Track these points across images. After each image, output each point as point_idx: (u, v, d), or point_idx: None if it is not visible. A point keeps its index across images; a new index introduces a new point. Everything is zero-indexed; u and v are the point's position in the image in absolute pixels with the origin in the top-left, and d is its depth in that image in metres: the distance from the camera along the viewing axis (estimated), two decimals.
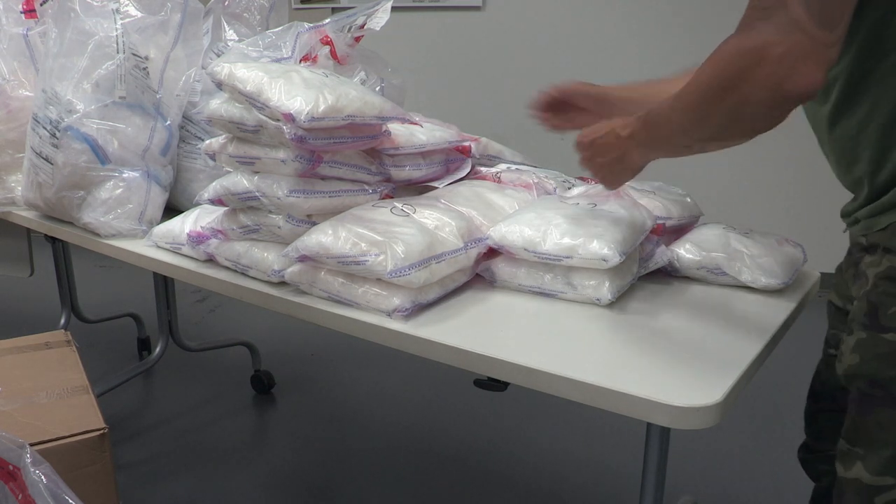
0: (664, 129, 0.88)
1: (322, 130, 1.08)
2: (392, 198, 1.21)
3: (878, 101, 0.82)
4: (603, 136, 0.97)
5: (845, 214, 0.95)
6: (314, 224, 1.10)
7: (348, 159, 1.16)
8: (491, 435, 2.16)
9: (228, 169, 1.19)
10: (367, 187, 1.18)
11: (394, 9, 1.41)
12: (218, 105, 1.16)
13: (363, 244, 1.03)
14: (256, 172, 1.13)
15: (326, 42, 1.44)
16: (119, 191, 1.41)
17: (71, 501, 0.85)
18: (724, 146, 0.84)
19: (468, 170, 1.38)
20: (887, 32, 0.79)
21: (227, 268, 1.22)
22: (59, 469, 0.88)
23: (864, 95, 0.83)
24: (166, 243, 1.33)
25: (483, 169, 1.40)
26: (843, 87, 0.85)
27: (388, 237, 1.03)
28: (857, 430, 0.88)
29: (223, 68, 1.12)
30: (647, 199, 1.20)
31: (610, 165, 0.98)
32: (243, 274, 1.20)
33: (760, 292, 1.11)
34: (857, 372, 0.87)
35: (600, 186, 1.19)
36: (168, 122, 1.46)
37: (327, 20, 1.47)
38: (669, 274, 1.17)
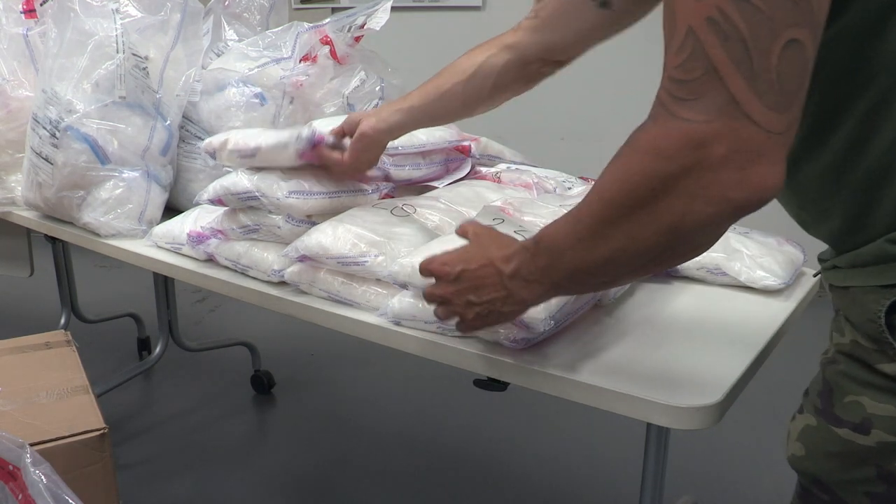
0: (564, 266, 0.67)
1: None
2: (392, 198, 1.21)
3: (858, 143, 0.62)
4: (477, 268, 0.76)
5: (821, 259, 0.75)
6: (314, 224, 1.10)
7: None
8: (491, 435, 2.16)
9: (228, 169, 1.19)
10: (366, 187, 1.18)
11: (394, 9, 1.41)
12: None
13: (363, 245, 1.03)
14: (257, 172, 1.13)
15: (326, 42, 1.44)
16: (119, 191, 1.40)
17: (71, 501, 0.85)
18: (652, 273, 0.66)
19: (468, 170, 1.38)
20: (866, 60, 0.60)
21: (227, 268, 1.22)
22: (59, 469, 0.88)
23: (836, 134, 0.64)
24: (166, 243, 1.33)
25: (483, 169, 1.40)
26: (808, 122, 0.63)
27: (388, 237, 1.03)
28: None
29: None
30: None
31: (489, 306, 0.77)
32: (243, 274, 1.20)
33: (760, 292, 1.11)
34: (802, 466, 0.72)
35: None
36: (168, 122, 1.46)
37: (327, 20, 1.46)
38: (669, 274, 1.17)
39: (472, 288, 0.77)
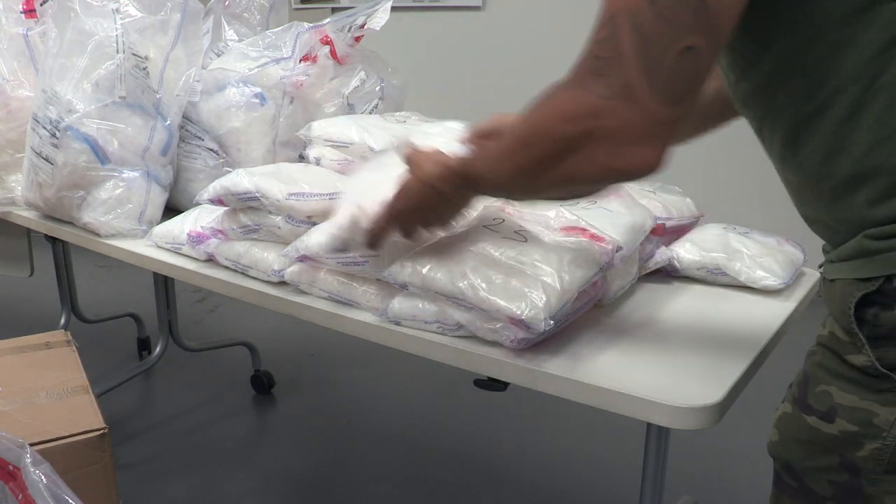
0: (484, 186, 0.81)
1: None
2: None
3: (834, 150, 0.66)
4: (417, 189, 0.87)
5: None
6: (314, 224, 1.10)
7: None
8: (491, 435, 2.16)
9: (228, 169, 1.19)
10: None
11: (394, 9, 1.41)
12: None
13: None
14: (257, 172, 1.13)
15: (326, 42, 1.44)
16: (119, 191, 1.40)
17: (71, 501, 0.85)
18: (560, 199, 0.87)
19: None
20: (825, 73, 0.63)
21: (227, 268, 1.22)
22: (59, 469, 0.88)
23: (814, 139, 0.67)
24: (166, 243, 1.33)
25: None
26: (788, 127, 0.69)
27: None
28: None
29: None
30: (647, 199, 1.20)
31: (428, 211, 0.89)
32: (243, 274, 1.20)
33: (760, 292, 1.11)
34: (776, 452, 0.75)
35: None
36: (168, 122, 1.46)
37: (327, 20, 1.47)
38: (669, 274, 1.17)
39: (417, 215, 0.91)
